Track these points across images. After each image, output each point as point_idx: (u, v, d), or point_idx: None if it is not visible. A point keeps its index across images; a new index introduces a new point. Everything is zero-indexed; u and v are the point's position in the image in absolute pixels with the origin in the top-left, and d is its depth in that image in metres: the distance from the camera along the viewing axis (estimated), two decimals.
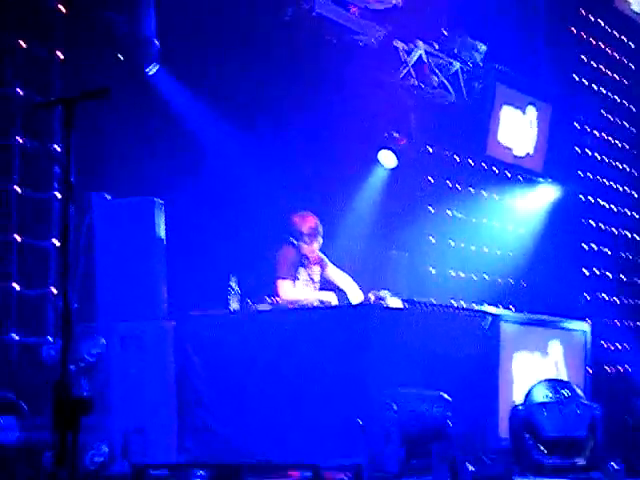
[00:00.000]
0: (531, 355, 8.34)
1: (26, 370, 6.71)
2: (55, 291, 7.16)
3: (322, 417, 6.78)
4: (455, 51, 10.71)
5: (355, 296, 7.86)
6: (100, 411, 6.30)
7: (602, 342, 12.10)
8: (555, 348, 8.54)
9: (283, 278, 7.80)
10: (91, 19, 7.59)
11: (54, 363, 6.34)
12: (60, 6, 7.38)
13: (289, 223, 7.99)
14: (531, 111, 11.97)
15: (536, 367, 8.28)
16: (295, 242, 7.93)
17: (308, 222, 7.95)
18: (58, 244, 7.15)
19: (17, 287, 7.02)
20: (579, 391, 7.26)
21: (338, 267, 8.23)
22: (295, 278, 7.90)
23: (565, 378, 8.24)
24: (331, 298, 7.78)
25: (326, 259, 8.19)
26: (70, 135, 3.66)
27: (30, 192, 7.18)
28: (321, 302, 7.63)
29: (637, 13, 13.22)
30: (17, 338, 6.95)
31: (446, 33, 10.61)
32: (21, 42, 7.17)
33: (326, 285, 8.13)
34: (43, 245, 7.22)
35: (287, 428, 6.90)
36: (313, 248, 7.97)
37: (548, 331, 8.62)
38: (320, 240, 8.01)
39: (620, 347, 12.81)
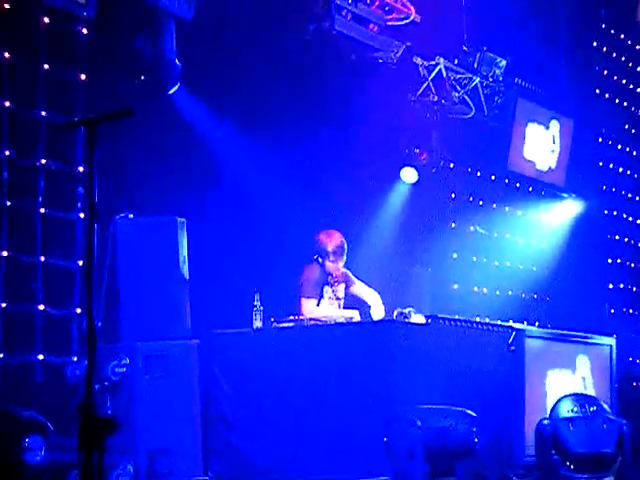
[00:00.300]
0: (558, 370, 8.29)
1: (51, 390, 6.73)
2: (79, 311, 7.19)
3: (347, 434, 6.77)
4: (475, 66, 10.71)
5: (379, 312, 7.85)
6: (125, 431, 6.30)
7: (628, 357, 11.99)
8: (582, 363, 8.48)
9: (307, 297, 7.80)
10: (113, 41, 7.66)
11: (79, 383, 6.36)
12: (83, 29, 7.45)
13: (315, 241, 7.98)
14: (554, 126, 11.94)
15: (563, 382, 8.23)
16: (320, 260, 7.93)
17: (334, 240, 7.93)
18: (82, 264, 7.20)
19: (42, 307, 7.05)
20: (605, 406, 7.19)
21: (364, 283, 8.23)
22: (320, 296, 7.90)
23: (592, 393, 8.17)
24: (354, 315, 7.77)
25: (352, 275, 8.19)
26: (93, 156, 3.68)
27: (55, 213, 7.23)
28: (344, 319, 7.63)
29: None
30: (42, 358, 6.98)
31: (466, 48, 10.62)
32: (45, 65, 7.24)
33: (352, 302, 8.12)
34: (68, 266, 7.27)
35: (312, 446, 6.89)
36: (338, 266, 7.96)
37: (574, 346, 8.56)
38: (344, 258, 8.00)
39: None
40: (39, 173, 7.14)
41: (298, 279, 7.88)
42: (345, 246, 7.97)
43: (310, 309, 7.75)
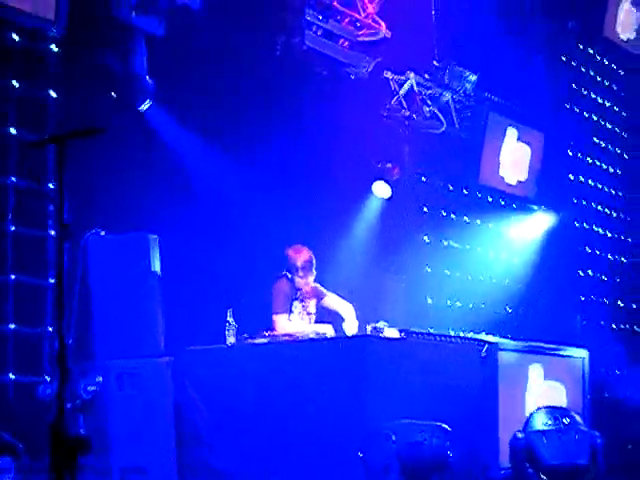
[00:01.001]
0: (532, 382, 8.32)
1: (23, 410, 6.66)
2: (51, 329, 7.13)
3: (322, 449, 6.76)
4: (446, 81, 10.77)
5: (352, 324, 7.85)
6: (98, 450, 6.26)
7: (601, 369, 12.05)
8: (548, 374, 8.50)
9: (278, 313, 7.82)
10: (84, 58, 7.63)
11: (51, 402, 6.30)
12: (53, 46, 7.42)
13: (284, 257, 8.01)
14: (524, 139, 12.02)
15: (537, 395, 8.26)
16: (289, 275, 7.96)
17: (302, 255, 7.98)
18: (53, 282, 7.14)
19: (13, 326, 6.99)
20: (578, 418, 7.23)
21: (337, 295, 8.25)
22: (290, 312, 7.91)
23: (562, 405, 8.21)
24: (327, 330, 7.77)
25: (323, 289, 8.20)
26: (62, 173, 3.66)
27: (25, 231, 7.18)
28: (317, 334, 7.64)
29: (625, 41, 13.31)
30: (13, 377, 6.91)
31: (436, 63, 10.67)
32: (14, 82, 7.20)
33: (324, 316, 8.12)
34: (39, 283, 7.21)
35: (287, 462, 6.87)
36: (308, 281, 8.00)
37: (543, 358, 8.59)
38: (314, 273, 8.03)
39: (618, 373, 12.77)
40: (9, 191, 7.10)
41: (268, 294, 7.89)
42: (313, 261, 8.00)
43: (283, 325, 7.76)
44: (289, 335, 7.54)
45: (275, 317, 7.81)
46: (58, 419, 3.29)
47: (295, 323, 7.87)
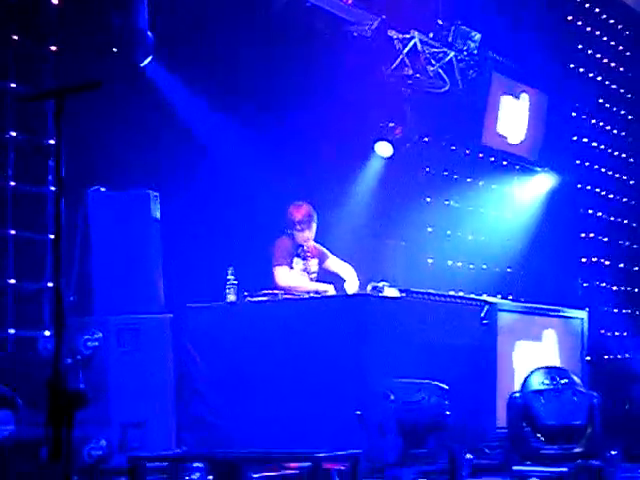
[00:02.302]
0: (531, 344, 8.34)
1: (23, 364, 6.69)
2: (51, 285, 7.15)
3: (319, 407, 6.79)
4: (449, 40, 10.67)
5: (353, 286, 7.87)
6: (98, 404, 6.30)
7: (600, 330, 12.10)
8: (550, 337, 8.54)
9: (279, 265, 7.82)
10: (84, 12, 7.56)
11: (51, 357, 6.33)
12: (53, 0, 7.35)
13: (285, 214, 8.02)
14: (528, 100, 11.95)
15: (535, 356, 8.28)
16: (289, 232, 7.97)
17: (302, 210, 8.00)
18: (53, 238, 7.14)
19: (13, 281, 7.00)
20: (576, 379, 7.25)
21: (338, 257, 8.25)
22: (291, 267, 7.92)
23: (560, 366, 8.24)
24: (329, 289, 7.79)
25: (326, 251, 8.21)
26: (61, 127, 3.63)
27: (25, 186, 7.17)
28: (317, 292, 7.65)
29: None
30: (13, 332, 6.94)
31: (440, 22, 10.58)
32: (14, 36, 7.15)
33: (326, 278, 8.13)
34: (39, 239, 7.22)
35: (285, 419, 6.91)
36: (306, 236, 8.00)
37: (544, 320, 8.62)
38: (314, 228, 8.03)
39: (618, 335, 12.81)
40: (8, 145, 7.07)
41: (270, 252, 7.89)
42: (314, 216, 8.02)
43: (284, 277, 7.77)
44: (289, 292, 7.55)
45: (276, 269, 7.81)
46: (56, 374, 3.30)
47: (296, 277, 7.88)
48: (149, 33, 7.80)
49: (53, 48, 7.36)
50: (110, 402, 6.60)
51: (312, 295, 7.68)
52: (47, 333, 7.01)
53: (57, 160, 3.61)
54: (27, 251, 7.17)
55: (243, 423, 7.10)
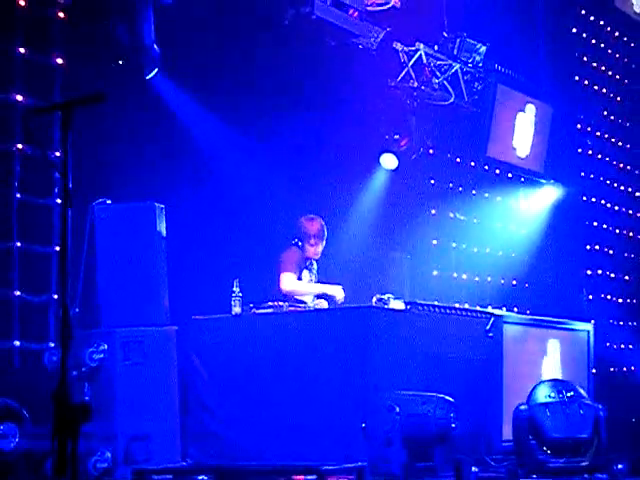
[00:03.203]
0: (538, 357, 8.33)
1: (29, 377, 6.70)
2: (57, 297, 7.16)
3: (325, 420, 6.77)
4: (455, 52, 10.69)
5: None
6: (103, 417, 6.30)
7: (606, 343, 12.07)
8: (554, 348, 8.51)
9: (287, 271, 7.84)
10: (91, 26, 7.60)
11: (56, 369, 6.34)
12: (60, 13, 7.39)
13: (296, 226, 8.03)
14: (533, 112, 11.96)
15: (542, 368, 8.27)
16: (300, 243, 7.99)
17: (315, 224, 8.05)
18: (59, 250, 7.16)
19: (18, 293, 7.01)
20: (582, 391, 7.23)
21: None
22: (299, 277, 7.93)
23: (566, 378, 8.22)
24: (337, 291, 7.78)
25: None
26: (67, 140, 3.65)
27: (31, 198, 7.19)
28: (323, 296, 7.70)
29: (637, 13, 13.20)
30: (19, 344, 6.95)
31: (446, 34, 10.60)
32: (21, 49, 7.18)
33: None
34: (45, 251, 7.23)
35: (290, 431, 6.89)
36: (318, 250, 8.04)
37: (549, 332, 8.60)
38: (324, 243, 8.07)
39: (624, 347, 12.78)
40: (15, 158, 7.10)
41: (277, 262, 7.90)
42: (325, 231, 8.04)
43: (291, 283, 7.79)
44: (294, 299, 7.57)
45: (283, 275, 7.81)
46: (61, 386, 3.31)
47: (301, 282, 7.90)
48: (155, 46, 7.83)
49: (60, 61, 7.39)
50: (115, 414, 6.60)
51: (317, 307, 7.69)
52: (52, 345, 7.01)
53: (63, 172, 3.62)
54: (33, 263, 7.19)
55: (249, 435, 7.08)
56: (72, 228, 3.97)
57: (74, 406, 3.28)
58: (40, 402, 6.01)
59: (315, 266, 8.14)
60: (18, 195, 7.11)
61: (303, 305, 7.68)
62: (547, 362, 8.42)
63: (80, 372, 6.47)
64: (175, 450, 6.89)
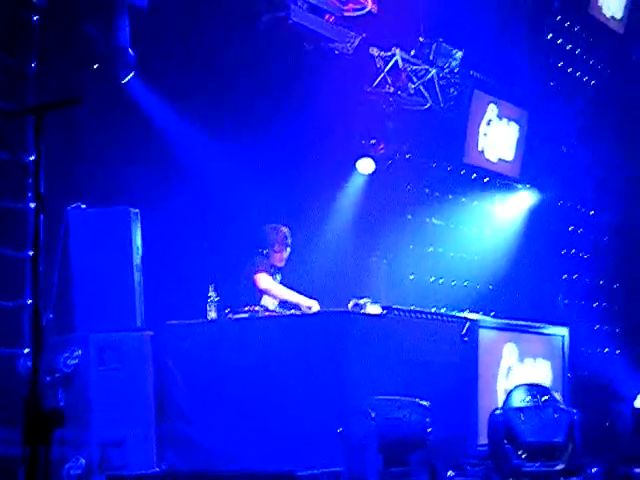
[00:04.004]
0: (513, 361, 8.36)
1: (2, 383, 6.64)
2: (31, 302, 7.09)
3: (301, 425, 6.77)
4: (431, 57, 10.71)
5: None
6: (78, 423, 6.26)
7: (581, 347, 12.12)
8: (510, 351, 8.54)
9: (260, 271, 7.86)
10: (66, 29, 7.55)
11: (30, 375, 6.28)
12: (34, 16, 7.33)
13: (260, 234, 8.07)
14: (509, 117, 12.01)
15: (517, 373, 8.30)
16: (265, 252, 8.02)
17: (279, 233, 8.08)
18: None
19: None
20: (557, 396, 7.27)
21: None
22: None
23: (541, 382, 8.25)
24: (313, 304, 7.78)
25: None
26: (40, 144, 3.62)
27: (4, 203, 7.12)
28: (296, 306, 7.71)
29: (610, 19, 13.29)
30: None
31: (422, 40, 10.62)
32: None
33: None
34: (18, 256, 7.16)
35: (266, 436, 6.89)
36: (284, 257, 8.07)
37: (525, 336, 8.63)
38: (289, 250, 8.10)
39: (599, 351, 12.85)
40: None
41: (245, 270, 7.91)
42: (289, 238, 8.08)
43: (269, 281, 7.82)
44: (271, 296, 7.59)
45: (257, 275, 7.84)
46: (32, 392, 3.27)
47: (280, 285, 7.92)
48: (130, 50, 7.79)
49: (34, 65, 7.33)
50: (90, 420, 6.55)
51: (293, 312, 7.68)
52: (27, 351, 6.95)
53: (36, 177, 3.59)
54: (6, 268, 7.11)
55: (224, 441, 7.06)
56: (46, 233, 3.94)
57: (46, 412, 3.25)
58: (13, 408, 5.97)
59: (279, 277, 8.14)
60: None
61: (279, 310, 7.68)
62: (521, 366, 8.45)
63: (54, 378, 6.42)
64: (150, 456, 6.85)
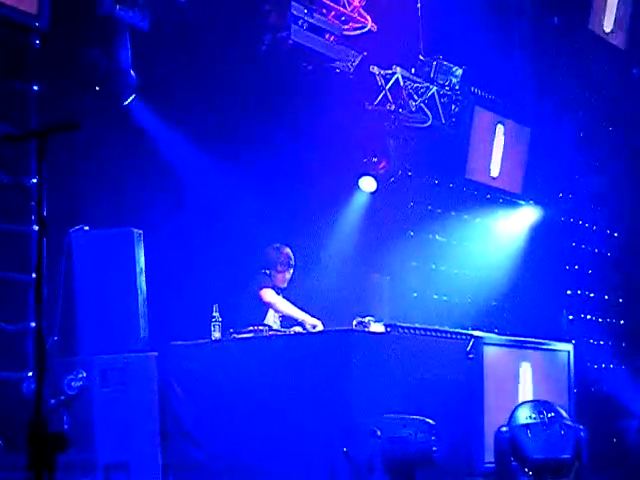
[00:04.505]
0: (518, 377, 8.34)
1: (6, 406, 6.63)
2: (34, 325, 7.09)
3: (307, 444, 6.75)
4: (431, 75, 10.74)
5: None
6: (82, 445, 6.24)
7: (586, 363, 12.08)
8: (533, 369, 8.52)
9: (266, 287, 7.90)
10: (67, 52, 7.59)
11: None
12: (35, 40, 7.37)
13: (263, 255, 8.08)
14: (510, 133, 12.02)
15: (523, 389, 8.27)
16: (268, 272, 8.03)
17: (282, 251, 8.13)
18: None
19: None
20: (563, 412, 7.24)
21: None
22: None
23: (547, 399, 8.22)
24: (317, 323, 7.78)
25: None
26: (42, 168, 3.63)
27: (7, 226, 7.14)
28: (301, 324, 7.73)
29: (609, 34, 13.32)
30: None
31: (422, 57, 10.65)
32: None
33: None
34: (23, 279, 7.17)
35: (272, 456, 6.86)
36: (286, 277, 8.11)
37: (528, 353, 8.61)
38: (292, 271, 8.12)
39: (604, 367, 12.81)
40: None
41: (249, 288, 7.95)
42: (293, 259, 8.11)
43: (273, 296, 7.88)
44: (280, 311, 7.63)
45: (264, 291, 7.91)
46: (36, 416, 3.26)
47: (285, 301, 7.93)
48: (132, 72, 7.83)
49: (36, 87, 7.36)
50: (95, 443, 6.53)
51: (297, 331, 7.68)
52: (31, 374, 6.94)
53: (39, 199, 3.61)
54: (10, 291, 7.12)
55: (229, 461, 7.04)
56: (50, 255, 3.94)
57: (51, 436, 3.24)
58: (17, 432, 5.95)
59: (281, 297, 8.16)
60: None
61: (283, 329, 7.68)
62: (527, 383, 8.42)
63: (59, 400, 6.41)
64: (155, 477, 6.82)
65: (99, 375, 6.67)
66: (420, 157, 11.16)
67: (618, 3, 13.23)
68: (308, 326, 7.74)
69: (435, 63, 10.77)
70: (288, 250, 8.18)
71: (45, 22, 7.20)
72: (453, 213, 11.97)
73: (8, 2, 6.97)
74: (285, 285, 8.17)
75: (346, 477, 6.41)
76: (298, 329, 7.78)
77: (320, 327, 7.76)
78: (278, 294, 8.10)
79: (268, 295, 7.89)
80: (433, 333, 7.94)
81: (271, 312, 8.04)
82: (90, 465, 6.42)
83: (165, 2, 7.95)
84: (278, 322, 8.01)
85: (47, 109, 7.32)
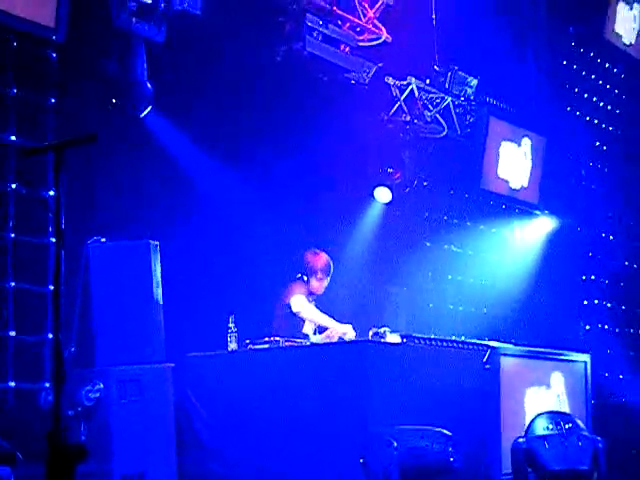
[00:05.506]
0: (534, 388, 8.30)
1: (24, 417, 6.66)
2: (52, 336, 7.13)
3: (323, 455, 6.74)
4: (446, 85, 10.76)
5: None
6: (100, 456, 6.25)
7: (604, 373, 12.03)
8: (557, 380, 8.49)
9: (298, 294, 7.86)
10: (84, 65, 7.64)
11: (51, 409, 6.29)
12: (53, 53, 7.43)
13: (301, 260, 8.02)
14: (526, 143, 12.01)
15: (539, 400, 8.23)
16: (305, 278, 7.99)
17: (321, 258, 8.09)
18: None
19: (14, 333, 6.98)
20: (580, 423, 7.20)
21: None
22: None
23: (568, 410, 8.18)
24: (348, 330, 7.73)
25: None
26: (60, 180, 3.66)
27: (25, 238, 7.18)
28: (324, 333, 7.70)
29: (626, 45, 13.31)
30: (13, 385, 6.90)
31: (437, 68, 10.67)
32: (14, 89, 7.21)
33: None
34: (40, 291, 7.21)
35: (288, 467, 6.86)
36: (324, 285, 8.06)
37: (549, 363, 8.57)
38: (329, 279, 8.08)
39: (622, 378, 12.74)
40: (9, 198, 7.10)
41: (282, 295, 7.90)
42: (332, 266, 8.06)
43: (303, 304, 7.79)
44: (291, 340, 7.55)
45: (294, 297, 7.80)
46: (55, 428, 3.28)
47: (316, 311, 7.86)
48: (148, 84, 7.87)
49: (53, 100, 7.42)
50: (112, 453, 6.54)
51: (313, 342, 7.67)
52: (48, 385, 6.97)
53: (57, 211, 3.63)
54: (28, 303, 7.17)
55: (246, 472, 7.04)
56: (67, 267, 3.97)
57: (69, 447, 3.25)
58: (35, 443, 5.97)
59: (313, 305, 8.11)
60: (12, 235, 7.10)
61: (300, 340, 7.67)
62: (545, 394, 8.39)
63: (76, 411, 6.42)
64: None
65: (116, 386, 6.67)
66: (435, 167, 11.17)
67: (633, 15, 13.23)
68: (335, 333, 7.69)
69: (450, 74, 10.79)
70: (327, 256, 8.08)
71: (62, 35, 7.26)
72: (469, 223, 11.97)
73: (26, 16, 7.03)
74: (321, 293, 8.11)
75: None
76: (322, 337, 7.75)
77: (351, 334, 7.70)
78: (311, 301, 8.03)
79: (294, 304, 7.79)
80: (449, 344, 7.92)
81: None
82: (107, 476, 6.42)
83: (181, 15, 7.99)
84: (313, 330, 7.96)
85: (64, 121, 7.37)
